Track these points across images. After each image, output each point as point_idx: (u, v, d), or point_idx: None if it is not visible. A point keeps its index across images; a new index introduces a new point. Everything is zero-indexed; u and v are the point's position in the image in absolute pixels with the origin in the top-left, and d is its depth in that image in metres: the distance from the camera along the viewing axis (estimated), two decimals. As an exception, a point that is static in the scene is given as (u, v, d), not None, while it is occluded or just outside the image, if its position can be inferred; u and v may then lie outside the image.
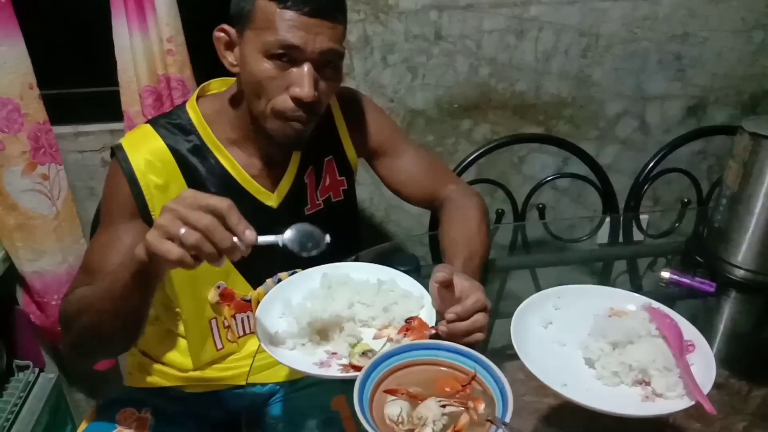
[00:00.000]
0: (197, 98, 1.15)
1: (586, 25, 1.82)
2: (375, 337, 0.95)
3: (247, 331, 1.22)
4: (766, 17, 1.88)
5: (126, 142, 1.09)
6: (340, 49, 1.03)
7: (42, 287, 1.70)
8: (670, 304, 0.96)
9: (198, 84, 1.62)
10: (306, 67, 0.99)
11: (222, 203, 0.77)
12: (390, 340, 0.93)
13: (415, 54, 1.79)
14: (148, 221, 1.06)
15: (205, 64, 1.64)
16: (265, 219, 1.15)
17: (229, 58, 1.06)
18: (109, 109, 1.69)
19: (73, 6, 1.72)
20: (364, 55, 1.77)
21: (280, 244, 0.86)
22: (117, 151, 1.07)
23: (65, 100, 1.76)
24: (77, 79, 1.80)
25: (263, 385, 1.25)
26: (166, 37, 1.55)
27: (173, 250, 0.76)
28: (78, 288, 1.00)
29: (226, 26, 1.04)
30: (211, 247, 0.76)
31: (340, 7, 1.03)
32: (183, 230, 0.75)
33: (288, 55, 0.99)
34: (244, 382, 1.21)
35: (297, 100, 1.01)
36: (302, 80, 1.00)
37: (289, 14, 0.96)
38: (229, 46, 1.06)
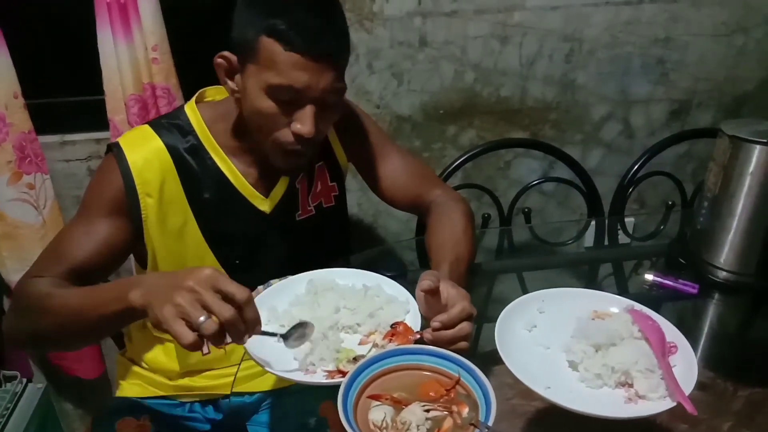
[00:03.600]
0: (195, 103, 1.15)
1: (569, 30, 1.84)
2: (361, 343, 0.95)
3: None
4: (747, 21, 1.90)
5: (124, 140, 1.09)
6: (342, 86, 1.04)
7: (28, 297, 1.69)
8: (655, 306, 0.97)
9: (184, 92, 1.63)
10: (308, 107, 1.00)
11: (243, 294, 0.76)
12: (375, 345, 0.94)
13: (400, 60, 1.80)
14: (136, 220, 1.07)
15: (191, 72, 1.65)
16: (257, 223, 1.16)
17: (230, 85, 1.05)
18: (94, 117, 1.69)
19: (58, 15, 1.73)
20: (350, 62, 1.77)
21: (277, 340, 0.88)
22: (113, 148, 1.07)
23: (51, 109, 1.76)
24: (62, 88, 1.80)
25: (251, 394, 1.25)
26: (150, 45, 1.55)
27: (187, 336, 0.73)
28: (44, 276, 1.00)
29: (226, 54, 1.03)
30: (224, 338, 0.76)
31: (345, 46, 1.03)
32: (203, 319, 0.73)
33: (291, 96, 0.99)
34: (230, 391, 1.21)
35: (298, 136, 1.02)
36: (304, 119, 1.00)
37: (295, 57, 0.95)
38: (230, 72, 1.04)
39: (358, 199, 1.93)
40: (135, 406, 1.22)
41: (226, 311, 0.74)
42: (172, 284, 0.76)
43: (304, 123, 1.00)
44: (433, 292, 0.91)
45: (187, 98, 1.66)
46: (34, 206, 1.64)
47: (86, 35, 1.54)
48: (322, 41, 0.96)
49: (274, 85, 0.97)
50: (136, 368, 1.27)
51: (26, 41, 1.61)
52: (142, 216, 1.07)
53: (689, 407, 0.78)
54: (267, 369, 0.87)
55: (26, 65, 1.56)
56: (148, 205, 1.07)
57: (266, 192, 1.17)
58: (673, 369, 0.85)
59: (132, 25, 1.51)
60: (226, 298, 0.75)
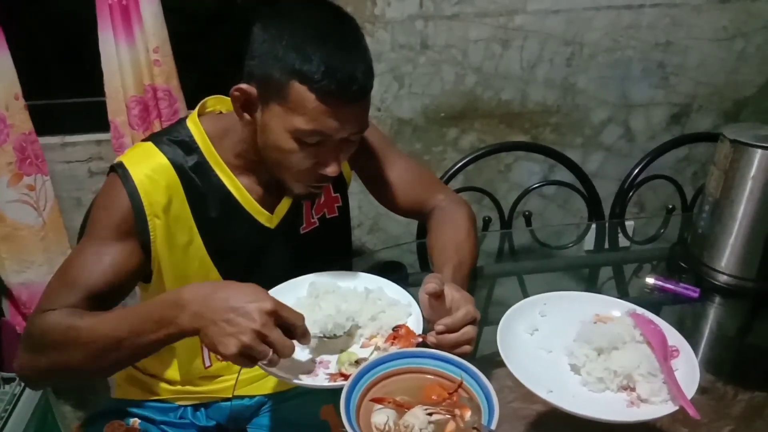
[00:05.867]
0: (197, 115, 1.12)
1: (570, 34, 1.84)
2: (363, 346, 0.95)
3: None
4: (747, 26, 1.91)
5: (127, 159, 1.05)
6: (367, 123, 1.02)
7: (28, 298, 1.69)
8: (656, 309, 0.98)
9: (185, 94, 1.63)
10: (335, 149, 0.99)
11: (302, 326, 0.84)
12: (377, 348, 0.93)
13: (401, 63, 1.80)
14: (145, 240, 1.03)
15: (192, 74, 1.65)
16: (261, 238, 1.15)
17: (247, 117, 1.01)
18: (95, 119, 1.69)
19: (59, 16, 1.73)
20: (351, 65, 1.78)
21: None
22: (117, 168, 1.03)
23: (51, 110, 1.76)
24: (63, 89, 1.80)
25: (251, 397, 1.24)
26: (152, 47, 1.55)
27: (249, 366, 0.81)
28: (59, 307, 0.95)
29: (245, 87, 0.98)
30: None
31: (372, 80, 0.99)
32: (271, 355, 0.80)
33: (318, 139, 0.97)
34: (231, 395, 1.21)
35: (323, 176, 1.02)
36: (330, 161, 1.00)
37: (328, 106, 0.93)
38: (248, 105, 1.00)
39: (359, 202, 1.93)
40: (126, 409, 1.21)
41: (289, 350, 0.81)
42: (226, 310, 0.80)
43: (329, 165, 1.00)
44: (438, 296, 0.91)
45: (188, 100, 1.67)
46: (35, 207, 1.64)
47: (88, 36, 1.54)
48: (354, 87, 0.93)
49: (304, 130, 0.95)
50: (134, 371, 1.26)
51: (27, 42, 1.62)
52: (151, 237, 1.04)
53: (691, 411, 0.78)
54: (268, 372, 0.87)
55: (27, 66, 1.57)
56: (156, 226, 1.04)
57: (271, 208, 1.15)
58: (675, 373, 0.85)
59: (134, 27, 1.51)
60: (283, 325, 0.82)
